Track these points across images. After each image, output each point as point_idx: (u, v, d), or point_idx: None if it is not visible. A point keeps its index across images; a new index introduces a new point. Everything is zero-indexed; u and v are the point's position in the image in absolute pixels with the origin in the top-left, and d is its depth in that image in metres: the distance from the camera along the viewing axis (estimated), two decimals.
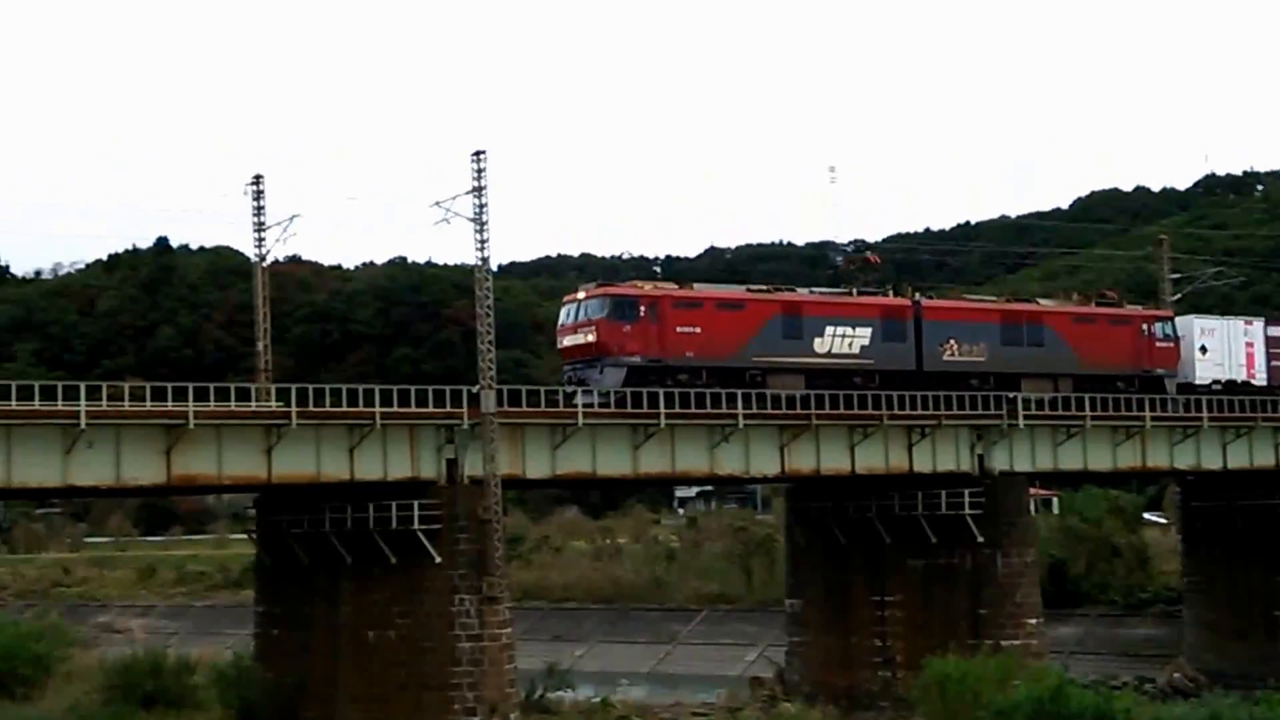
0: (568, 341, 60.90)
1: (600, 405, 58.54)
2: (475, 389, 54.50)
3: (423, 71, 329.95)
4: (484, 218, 55.77)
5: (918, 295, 68.45)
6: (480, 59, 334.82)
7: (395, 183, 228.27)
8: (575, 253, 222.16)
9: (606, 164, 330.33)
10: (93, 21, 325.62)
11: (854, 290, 67.55)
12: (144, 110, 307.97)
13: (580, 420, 56.86)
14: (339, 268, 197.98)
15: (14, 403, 48.11)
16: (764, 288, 66.32)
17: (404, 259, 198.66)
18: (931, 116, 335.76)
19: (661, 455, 60.23)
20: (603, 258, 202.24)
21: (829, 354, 63.59)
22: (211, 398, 51.51)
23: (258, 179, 60.21)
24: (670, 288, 62.22)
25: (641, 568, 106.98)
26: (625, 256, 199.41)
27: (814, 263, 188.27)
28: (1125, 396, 69.75)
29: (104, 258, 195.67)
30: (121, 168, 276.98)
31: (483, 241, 55.67)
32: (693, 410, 59.27)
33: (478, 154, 55.78)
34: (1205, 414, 71.57)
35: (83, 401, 48.26)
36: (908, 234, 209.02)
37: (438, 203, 56.59)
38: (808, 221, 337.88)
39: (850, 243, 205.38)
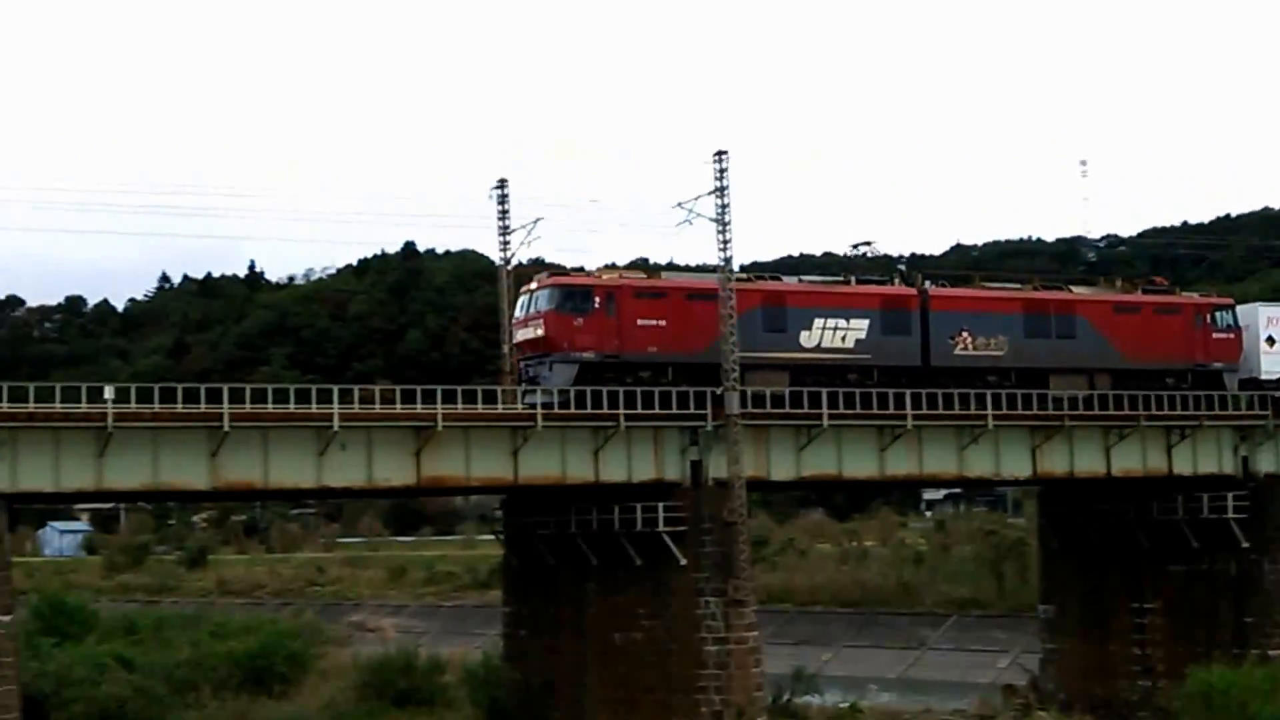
0: (520, 336, 56.58)
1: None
2: (719, 390, 54.11)
3: (664, 72, 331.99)
4: (726, 218, 55.26)
5: (926, 284, 62.07)
6: (720, 58, 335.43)
7: (637, 184, 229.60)
8: (818, 252, 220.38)
9: (850, 162, 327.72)
10: (342, 29, 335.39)
11: (853, 279, 62.33)
12: (391, 117, 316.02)
13: (825, 422, 55.93)
14: (581, 269, 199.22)
15: (270, 405, 49.23)
16: (744, 276, 58.71)
17: (645, 260, 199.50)
18: (1185, 103, 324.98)
19: (908, 457, 59.06)
20: (845, 256, 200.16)
21: (818, 348, 57.77)
22: (459, 400, 52.04)
23: (502, 183, 60.75)
24: (634, 276, 57.60)
25: (888, 571, 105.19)
26: (869, 255, 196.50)
27: (1065, 259, 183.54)
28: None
29: (354, 263, 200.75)
30: (370, 174, 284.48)
31: (725, 242, 55.16)
32: (940, 411, 57.96)
33: (719, 154, 55.33)
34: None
35: (335, 404, 49.25)
36: (1163, 228, 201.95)
37: (680, 204, 56.31)
38: (1058, 217, 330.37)
39: (1102, 238, 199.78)
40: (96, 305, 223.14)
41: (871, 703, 70.76)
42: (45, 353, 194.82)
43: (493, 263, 69.88)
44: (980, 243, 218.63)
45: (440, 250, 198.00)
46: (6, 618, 45.93)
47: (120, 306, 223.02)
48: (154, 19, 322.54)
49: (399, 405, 51.26)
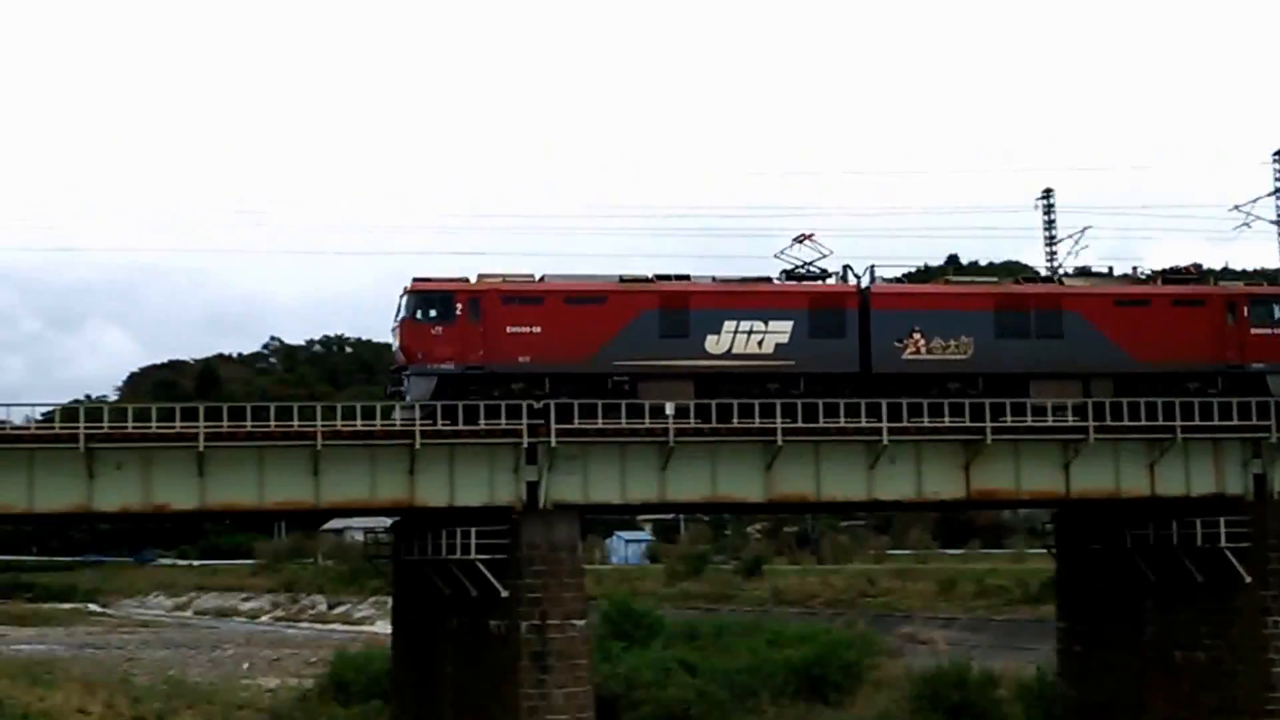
0: (394, 346, 52.60)
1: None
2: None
3: (1212, 66, 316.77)
4: None
5: (871, 278, 53.71)
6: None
7: (1189, 188, 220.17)
8: None
9: None
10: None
11: (782, 276, 54.36)
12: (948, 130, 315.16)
13: None
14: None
15: (820, 421, 50.43)
16: (643, 276, 52.45)
17: (1198, 266, 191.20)
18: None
19: None
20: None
21: (728, 354, 51.25)
22: (1008, 414, 51.67)
23: (1047, 192, 60.11)
24: (511, 280, 51.53)
25: None
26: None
27: None
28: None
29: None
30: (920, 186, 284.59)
31: None
32: None
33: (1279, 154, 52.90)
34: None
35: (884, 420, 50.14)
36: None
37: (1236, 207, 54.11)
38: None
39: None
40: None
41: None
42: None
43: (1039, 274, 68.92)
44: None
45: (984, 262, 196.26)
46: (580, 622, 48.56)
47: None
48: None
49: (947, 419, 51.51)
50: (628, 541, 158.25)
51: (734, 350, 51.06)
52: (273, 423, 47.21)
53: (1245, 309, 54.36)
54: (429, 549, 49.18)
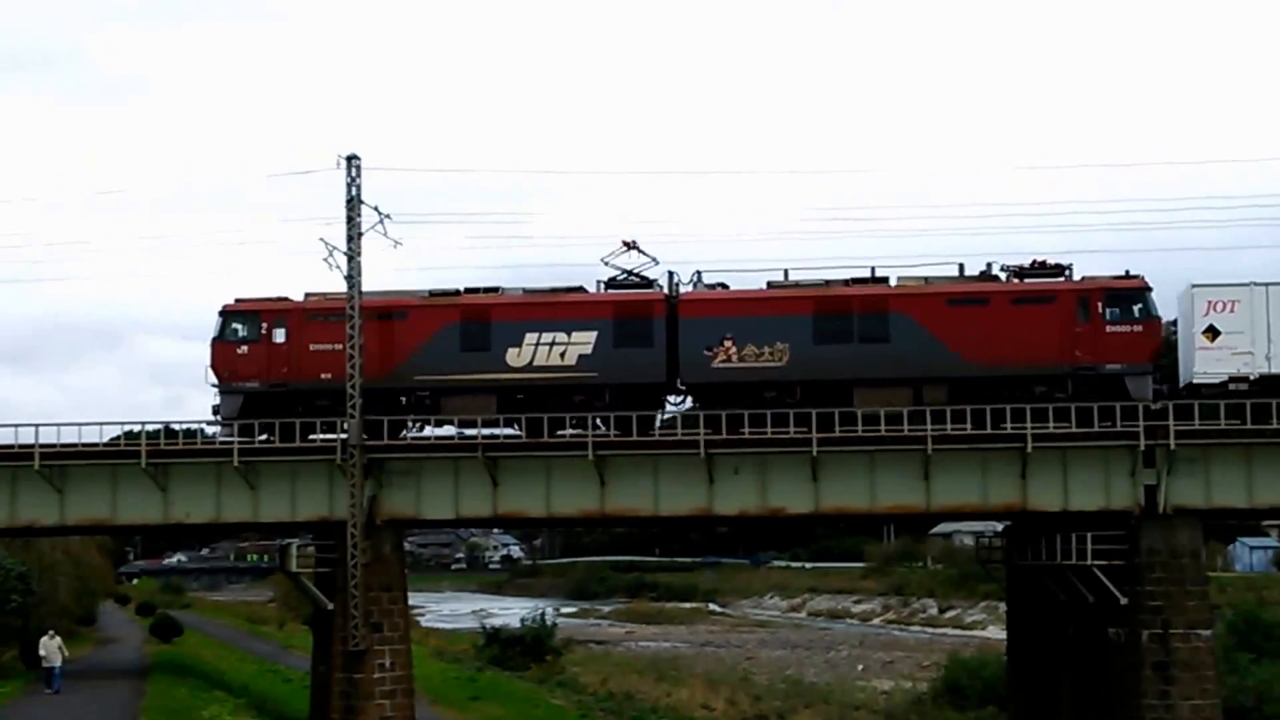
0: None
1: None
2: None
3: None
4: None
5: (682, 285, 51.03)
6: None
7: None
8: None
9: None
10: None
11: (604, 285, 51.74)
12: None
13: None
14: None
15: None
16: (453, 289, 51.52)
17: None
18: None
19: None
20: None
21: (529, 366, 49.92)
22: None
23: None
24: (317, 299, 51.36)
25: None
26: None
27: None
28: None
29: None
30: None
31: None
32: None
33: None
34: None
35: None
36: None
37: None
38: None
39: None
40: None
41: None
42: None
43: None
44: None
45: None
46: (1205, 632, 47.02)
47: None
48: None
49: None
50: (1252, 548, 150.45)
51: (535, 362, 50.36)
52: (883, 427, 47.79)
53: (1099, 305, 48.92)
54: (1043, 554, 48.74)
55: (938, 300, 49.82)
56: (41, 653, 54.55)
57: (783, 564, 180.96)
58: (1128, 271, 49.68)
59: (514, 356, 50.30)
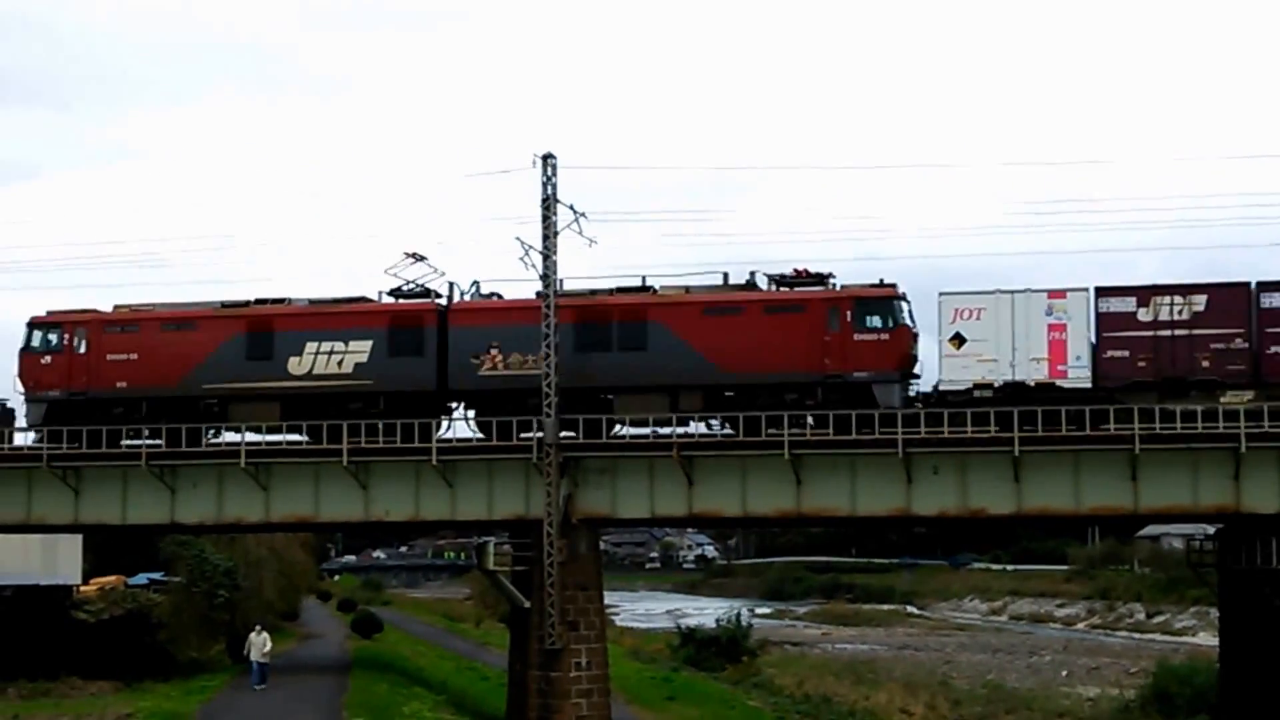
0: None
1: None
2: None
3: None
4: None
5: (458, 294, 52.51)
6: None
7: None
8: None
9: None
10: None
11: (392, 294, 53.03)
12: None
13: None
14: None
15: None
16: (243, 301, 53.57)
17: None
18: None
19: None
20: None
21: (309, 375, 51.56)
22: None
23: None
24: (117, 310, 54.03)
25: None
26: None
27: None
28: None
29: None
30: None
31: None
32: None
33: None
34: None
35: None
36: None
37: None
38: None
39: None
40: None
41: None
42: None
43: None
44: None
45: None
46: None
47: None
48: None
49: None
50: None
51: (315, 371, 51.75)
52: (1087, 428, 46.42)
53: (848, 314, 49.07)
54: (1258, 558, 47.09)
55: (693, 309, 50.46)
56: (247, 649, 55.78)
57: (982, 566, 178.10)
58: (881, 280, 49.66)
59: (295, 365, 52.08)
